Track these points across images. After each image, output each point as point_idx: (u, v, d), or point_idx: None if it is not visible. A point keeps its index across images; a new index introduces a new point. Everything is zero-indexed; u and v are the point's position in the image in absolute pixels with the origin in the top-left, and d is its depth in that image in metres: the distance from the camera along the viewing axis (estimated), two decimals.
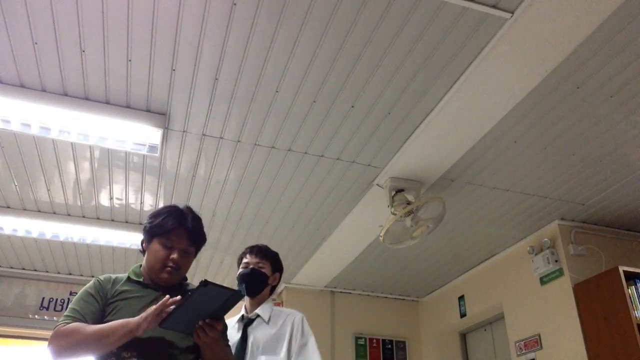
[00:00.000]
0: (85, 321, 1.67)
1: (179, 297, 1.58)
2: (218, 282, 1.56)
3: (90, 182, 3.46)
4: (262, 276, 2.39)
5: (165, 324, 1.56)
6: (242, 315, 2.41)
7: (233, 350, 2.23)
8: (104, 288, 1.78)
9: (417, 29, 2.31)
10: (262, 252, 2.46)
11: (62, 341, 1.61)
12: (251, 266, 2.40)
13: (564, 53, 2.42)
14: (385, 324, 5.36)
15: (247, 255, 2.45)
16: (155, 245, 1.80)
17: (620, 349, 3.26)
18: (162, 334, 1.67)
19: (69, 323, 1.65)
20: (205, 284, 1.49)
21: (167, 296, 1.58)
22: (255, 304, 2.41)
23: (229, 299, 1.57)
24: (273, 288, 2.50)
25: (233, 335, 2.33)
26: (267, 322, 2.33)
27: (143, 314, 1.57)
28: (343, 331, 5.17)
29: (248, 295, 2.42)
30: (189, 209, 1.90)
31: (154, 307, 1.57)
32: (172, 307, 1.57)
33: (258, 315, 2.37)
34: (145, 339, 1.65)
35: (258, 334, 2.30)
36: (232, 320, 2.42)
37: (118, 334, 1.58)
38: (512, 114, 2.82)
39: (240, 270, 2.43)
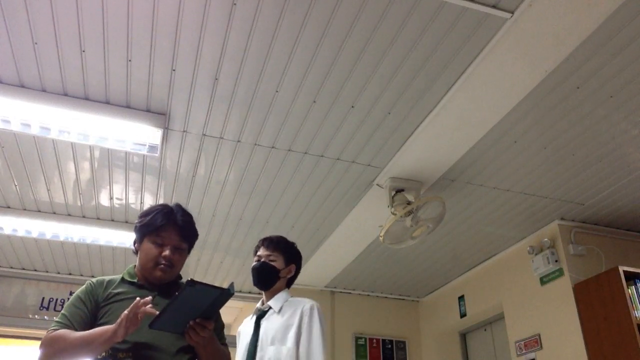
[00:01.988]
0: (74, 327, 1.68)
1: (149, 297, 1.57)
2: (216, 283, 1.55)
3: (90, 182, 3.46)
4: (272, 270, 2.30)
5: (155, 325, 1.54)
6: (257, 308, 2.35)
7: (247, 343, 2.21)
8: (96, 292, 1.77)
9: (417, 29, 2.31)
10: (274, 243, 2.37)
11: (48, 348, 1.64)
12: (262, 259, 2.32)
13: (564, 53, 2.42)
14: (385, 324, 5.36)
15: (260, 248, 2.37)
16: (147, 244, 1.80)
17: (620, 349, 3.26)
18: (157, 339, 1.67)
19: (57, 330, 1.67)
20: (192, 283, 1.47)
21: (138, 298, 1.56)
22: (270, 297, 2.33)
23: (218, 297, 1.55)
24: (290, 280, 2.40)
25: (248, 330, 2.31)
26: (278, 313, 2.26)
27: (118, 320, 1.56)
28: (343, 331, 5.17)
29: (260, 288, 2.35)
30: (178, 206, 1.89)
31: (126, 311, 1.55)
32: (149, 306, 1.54)
33: (270, 307, 2.30)
34: (141, 342, 1.65)
35: (268, 325, 2.24)
36: (250, 317, 2.38)
37: (97, 342, 1.58)
38: (512, 114, 2.82)
39: (253, 263, 2.36)
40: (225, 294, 1.54)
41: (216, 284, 1.61)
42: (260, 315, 2.30)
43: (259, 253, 2.36)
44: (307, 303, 2.27)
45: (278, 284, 2.33)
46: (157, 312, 1.55)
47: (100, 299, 1.76)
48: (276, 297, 2.32)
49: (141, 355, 1.66)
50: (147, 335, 1.65)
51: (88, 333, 1.63)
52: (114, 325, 1.57)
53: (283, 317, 2.23)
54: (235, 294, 5.54)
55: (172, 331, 1.62)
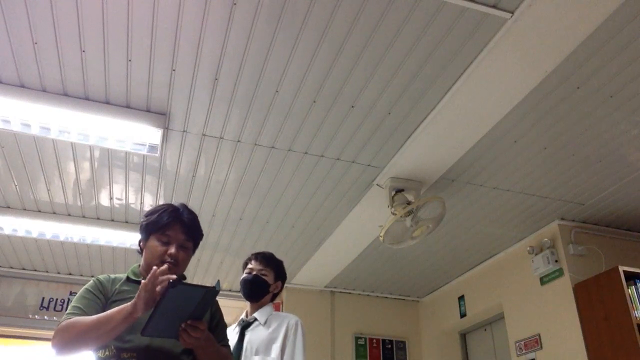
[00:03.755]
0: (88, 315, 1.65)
1: (166, 266, 1.55)
2: (211, 283, 1.53)
3: (90, 182, 3.46)
4: (264, 283, 2.46)
5: (146, 331, 1.51)
6: (242, 319, 2.48)
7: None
8: (105, 287, 1.77)
9: (417, 29, 2.31)
10: (267, 259, 2.52)
11: (64, 334, 1.59)
12: (254, 272, 2.47)
13: (564, 53, 2.42)
14: (385, 324, 5.36)
15: (252, 262, 2.52)
16: (152, 242, 1.80)
17: (620, 349, 3.26)
18: (161, 339, 1.66)
19: (70, 318, 1.64)
20: (173, 284, 1.45)
21: (155, 267, 1.53)
22: (256, 309, 2.48)
23: (205, 296, 1.51)
24: (275, 295, 2.55)
25: (231, 338, 2.39)
26: (264, 325, 2.40)
27: (137, 294, 1.53)
28: (343, 331, 5.17)
29: (249, 300, 2.49)
30: (183, 205, 1.89)
31: (144, 282, 1.52)
32: (167, 277, 1.51)
33: (255, 319, 2.43)
34: (146, 342, 1.64)
35: (253, 336, 2.38)
36: (233, 325, 2.50)
37: (116, 318, 1.55)
38: (512, 114, 2.82)
39: (244, 275, 2.51)
40: (211, 292, 1.51)
41: (219, 280, 1.59)
42: (245, 325, 2.44)
43: (250, 266, 2.51)
44: (292, 318, 2.44)
45: (265, 298, 2.49)
46: (175, 277, 1.53)
47: (109, 294, 1.75)
48: (262, 309, 2.46)
49: (145, 355, 1.65)
50: (152, 342, 1.65)
51: (105, 313, 1.59)
52: (132, 300, 1.53)
53: (268, 329, 2.38)
54: (236, 294, 5.52)
55: (165, 336, 1.59)
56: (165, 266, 1.56)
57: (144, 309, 1.51)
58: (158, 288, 1.51)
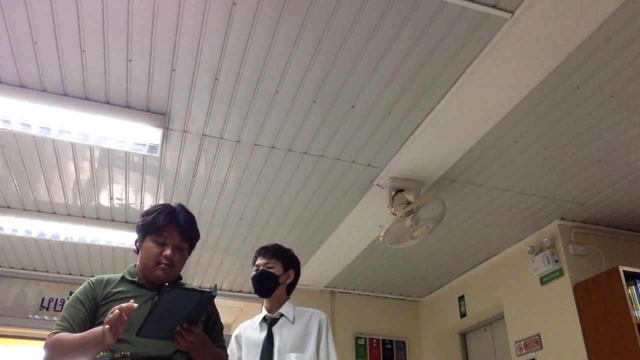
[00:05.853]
0: (73, 329, 1.68)
1: (135, 304, 1.53)
2: (217, 283, 1.53)
3: (90, 182, 3.46)
4: (271, 277, 2.40)
5: (142, 333, 1.52)
6: (265, 316, 2.43)
7: (259, 351, 2.30)
8: (94, 291, 1.77)
9: (417, 29, 2.31)
10: (270, 252, 2.46)
11: (50, 351, 1.65)
12: (260, 268, 2.42)
13: (564, 53, 2.42)
14: (385, 324, 5.36)
15: (258, 258, 2.47)
16: (148, 243, 1.80)
17: (620, 349, 3.26)
18: (155, 343, 1.66)
19: (56, 333, 1.68)
20: (168, 289, 1.44)
21: (117, 311, 1.51)
22: (276, 304, 2.43)
23: (200, 301, 1.51)
24: (290, 286, 2.49)
25: (255, 336, 2.38)
26: (292, 322, 2.38)
27: (104, 326, 1.53)
28: (343, 331, 5.17)
29: (261, 296, 2.44)
30: (180, 206, 1.89)
31: (110, 315, 1.52)
32: (134, 307, 1.52)
33: (282, 315, 2.40)
34: (140, 342, 1.64)
35: (285, 333, 2.35)
36: (251, 322, 2.46)
37: (91, 345, 1.59)
38: (512, 114, 2.82)
39: (252, 273, 2.46)
40: (206, 297, 1.51)
41: (217, 284, 1.59)
42: (272, 322, 2.39)
43: (257, 262, 2.45)
44: (322, 315, 2.46)
45: (278, 291, 2.42)
46: (137, 305, 1.53)
47: (100, 298, 1.75)
48: (285, 306, 2.43)
49: (139, 355, 1.65)
50: (145, 350, 1.65)
51: (82, 336, 1.63)
52: (102, 330, 1.53)
53: (298, 326, 2.38)
54: (236, 294, 5.52)
55: (160, 338, 1.60)
56: (134, 304, 1.53)
57: (113, 338, 1.52)
58: (125, 318, 1.50)
